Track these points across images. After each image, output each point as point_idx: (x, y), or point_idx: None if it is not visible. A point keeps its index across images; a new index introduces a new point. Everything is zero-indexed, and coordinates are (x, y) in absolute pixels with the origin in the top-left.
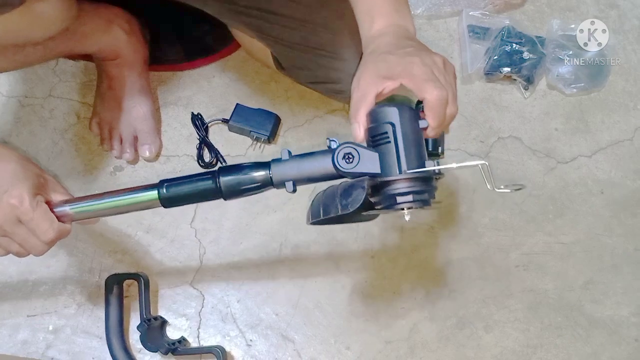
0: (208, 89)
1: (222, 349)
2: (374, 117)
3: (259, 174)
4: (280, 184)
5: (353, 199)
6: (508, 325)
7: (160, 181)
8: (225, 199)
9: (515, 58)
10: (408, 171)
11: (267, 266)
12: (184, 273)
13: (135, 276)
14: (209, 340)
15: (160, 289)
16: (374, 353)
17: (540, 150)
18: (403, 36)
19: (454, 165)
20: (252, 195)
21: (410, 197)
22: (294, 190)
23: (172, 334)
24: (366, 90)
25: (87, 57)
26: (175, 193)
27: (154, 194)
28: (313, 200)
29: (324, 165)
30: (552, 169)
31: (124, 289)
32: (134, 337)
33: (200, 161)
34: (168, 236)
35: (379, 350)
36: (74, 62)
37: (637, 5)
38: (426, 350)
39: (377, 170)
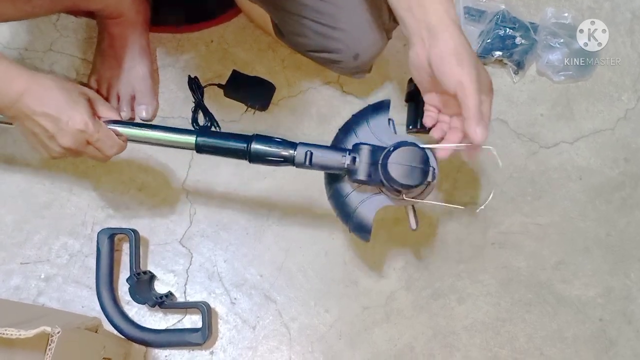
0: (206, 53)
1: (207, 305)
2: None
3: (286, 151)
4: (300, 165)
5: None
6: (480, 299)
7: (201, 127)
8: (250, 162)
9: (507, 43)
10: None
11: (255, 229)
12: (174, 231)
13: (126, 231)
14: (194, 296)
15: (150, 245)
16: (351, 317)
17: (524, 134)
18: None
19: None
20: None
21: None
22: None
23: (160, 288)
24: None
25: (89, 14)
26: (209, 143)
27: (192, 139)
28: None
29: (339, 161)
30: (535, 153)
31: (115, 243)
32: (123, 290)
33: (194, 124)
34: (160, 195)
35: (356, 315)
36: (75, 18)
37: None
38: (401, 317)
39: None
